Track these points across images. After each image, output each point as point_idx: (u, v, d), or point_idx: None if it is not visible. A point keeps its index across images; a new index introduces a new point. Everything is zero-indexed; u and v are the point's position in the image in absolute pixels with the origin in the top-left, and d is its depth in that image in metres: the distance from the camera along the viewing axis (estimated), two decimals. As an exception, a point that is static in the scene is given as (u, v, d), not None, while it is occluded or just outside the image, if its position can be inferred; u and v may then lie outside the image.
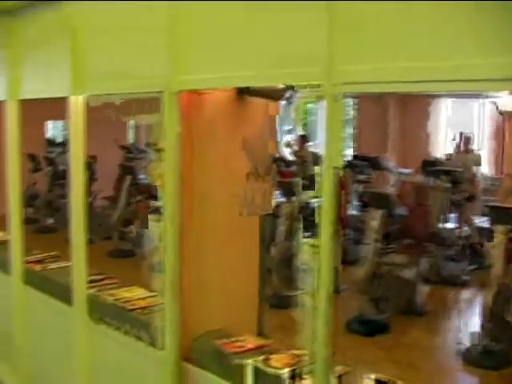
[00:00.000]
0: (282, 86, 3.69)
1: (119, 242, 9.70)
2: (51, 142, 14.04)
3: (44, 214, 11.24)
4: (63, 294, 4.68)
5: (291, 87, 3.76)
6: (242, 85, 3.45)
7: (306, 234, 7.93)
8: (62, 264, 5.25)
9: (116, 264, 8.48)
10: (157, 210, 5.76)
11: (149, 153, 10.90)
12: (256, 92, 3.65)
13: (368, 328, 6.79)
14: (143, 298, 4.29)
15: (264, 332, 3.96)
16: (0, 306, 5.82)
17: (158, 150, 8.28)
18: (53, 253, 5.69)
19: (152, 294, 4.30)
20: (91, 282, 4.58)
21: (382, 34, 2.53)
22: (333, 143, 2.73)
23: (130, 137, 14.15)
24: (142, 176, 9.97)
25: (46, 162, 11.56)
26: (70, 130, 4.49)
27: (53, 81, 4.68)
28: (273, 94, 3.75)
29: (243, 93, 3.64)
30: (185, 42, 3.41)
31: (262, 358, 3.39)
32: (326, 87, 2.68)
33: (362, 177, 10.43)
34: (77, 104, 4.32)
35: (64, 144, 13.52)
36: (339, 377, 3.12)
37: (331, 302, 2.82)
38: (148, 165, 10.30)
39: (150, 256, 5.05)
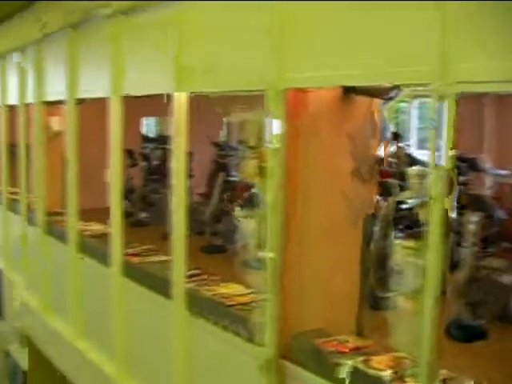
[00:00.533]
0: (388, 84, 3.63)
1: (212, 237, 9.80)
2: (145, 138, 14.33)
3: (138, 208, 11.47)
4: (161, 287, 4.76)
5: (397, 86, 3.70)
6: (352, 83, 3.40)
7: (400, 235, 7.84)
8: (160, 257, 5.35)
9: (209, 259, 8.56)
10: (250, 206, 5.79)
11: (241, 150, 10.96)
12: (362, 90, 3.60)
13: (465, 333, 6.62)
14: (242, 294, 4.32)
15: (364, 332, 3.91)
16: (99, 296, 5.98)
17: (251, 148, 8.30)
18: (150, 246, 5.80)
19: (250, 290, 4.33)
20: (190, 276, 4.65)
21: (497, 31, 2.46)
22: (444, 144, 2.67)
23: (222, 134, 14.28)
24: (234, 173, 10.03)
25: (141, 158, 11.81)
26: (172, 127, 4.56)
27: (156, 77, 4.76)
28: (379, 93, 3.70)
29: (349, 91, 3.61)
30: (291, 40, 3.41)
31: (361, 358, 3.36)
32: (438, 86, 2.62)
33: (459, 178, 10.13)
34: (180, 101, 4.37)
35: (158, 140, 13.80)
36: (443, 381, 3.06)
37: (438, 306, 2.77)
38: (240, 162, 10.37)
39: (243, 252, 5.09)
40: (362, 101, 3.77)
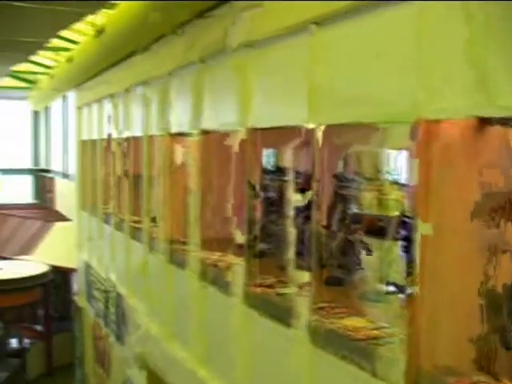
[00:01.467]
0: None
1: (334, 269, 9.74)
2: (264, 170, 14.46)
3: (259, 239, 11.56)
4: (285, 318, 4.76)
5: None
6: (486, 114, 3.27)
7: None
8: (283, 288, 5.34)
9: (332, 291, 8.49)
10: (378, 236, 5.69)
11: (358, 182, 10.86)
12: (498, 120, 3.47)
13: None
14: (367, 328, 4.26)
15: (498, 374, 3.73)
16: (220, 325, 6.03)
17: (368, 179, 8.17)
18: (272, 277, 5.81)
19: (376, 323, 4.26)
20: (313, 308, 4.62)
21: None
22: None
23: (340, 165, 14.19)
24: (352, 205, 9.95)
25: (261, 189, 11.92)
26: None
27: (286, 109, 4.78)
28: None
29: (484, 121, 3.49)
30: (425, 69, 3.36)
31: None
32: None
33: None
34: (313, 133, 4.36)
35: (275, 171, 13.93)
36: None
37: None
38: (358, 194, 10.31)
39: (365, 284, 5.00)
40: (497, 130, 3.64)
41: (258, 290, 5.47)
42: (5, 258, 18.17)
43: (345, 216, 9.95)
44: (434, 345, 3.66)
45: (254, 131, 5.35)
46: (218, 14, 5.66)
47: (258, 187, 11.33)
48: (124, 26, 7.82)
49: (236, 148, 5.56)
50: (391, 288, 4.68)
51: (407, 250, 4.21)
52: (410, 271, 3.68)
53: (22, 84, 19.24)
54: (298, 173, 5.80)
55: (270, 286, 5.54)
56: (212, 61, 6.04)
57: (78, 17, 8.84)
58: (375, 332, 4.11)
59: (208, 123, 6.27)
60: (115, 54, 9.22)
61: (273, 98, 5.00)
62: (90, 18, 9.93)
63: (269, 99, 5.05)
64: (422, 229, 3.50)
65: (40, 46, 12.12)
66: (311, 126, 4.33)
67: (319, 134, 4.30)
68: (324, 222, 9.76)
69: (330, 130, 4.36)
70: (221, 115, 6.00)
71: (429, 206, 3.51)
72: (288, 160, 5.84)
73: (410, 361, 3.55)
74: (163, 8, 6.12)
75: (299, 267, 5.06)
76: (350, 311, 4.69)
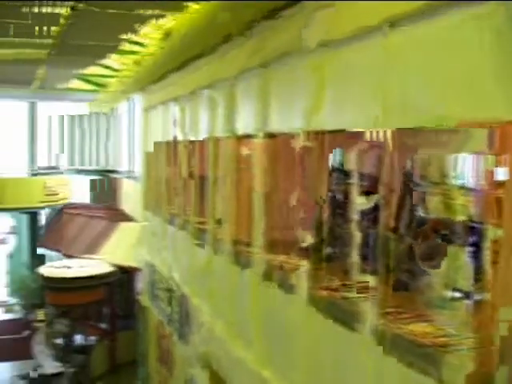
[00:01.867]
0: None
1: (400, 274, 9.63)
2: (330, 173, 14.37)
3: (326, 243, 11.50)
4: (350, 321, 4.75)
5: None
6: None
7: None
8: (348, 292, 5.31)
9: (398, 296, 8.40)
10: (445, 243, 5.62)
11: (425, 185, 10.72)
12: None
13: None
14: (434, 334, 4.20)
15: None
16: (284, 327, 6.03)
17: (435, 184, 8.02)
18: (337, 280, 5.78)
19: (441, 330, 4.21)
20: (381, 312, 4.59)
21: None
22: None
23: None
24: (418, 208, 9.83)
25: (329, 192, 11.84)
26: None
27: (359, 111, 4.73)
28: None
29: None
30: (492, 72, 3.30)
31: None
32: None
33: None
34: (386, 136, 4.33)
35: (341, 174, 13.85)
36: None
37: None
38: (424, 197, 10.17)
39: (432, 290, 4.93)
40: None
41: (324, 293, 5.45)
42: (71, 257, 18.59)
43: (412, 220, 9.81)
44: (506, 351, 3.59)
45: (321, 134, 5.33)
46: (289, 14, 5.64)
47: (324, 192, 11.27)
48: (192, 28, 7.90)
49: (302, 150, 5.55)
50: (457, 294, 4.61)
51: (476, 255, 4.15)
52: (478, 277, 3.62)
53: (89, 86, 19.58)
54: (362, 175, 5.75)
55: (335, 290, 5.51)
56: (278, 63, 6.04)
57: (149, 20, 8.97)
58: (442, 339, 4.05)
59: (274, 125, 6.28)
60: (182, 56, 9.32)
61: (344, 100, 4.95)
62: (158, 21, 10.09)
63: (340, 101, 5.00)
64: (493, 234, 3.44)
65: (111, 50, 12.35)
66: (383, 129, 4.30)
67: (390, 137, 4.27)
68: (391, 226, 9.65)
69: (400, 133, 4.32)
70: (288, 117, 5.99)
71: (502, 211, 3.45)
72: (353, 162, 5.80)
73: (480, 368, 3.49)
74: (233, 8, 6.14)
75: (364, 271, 5.03)
76: (417, 317, 4.64)
